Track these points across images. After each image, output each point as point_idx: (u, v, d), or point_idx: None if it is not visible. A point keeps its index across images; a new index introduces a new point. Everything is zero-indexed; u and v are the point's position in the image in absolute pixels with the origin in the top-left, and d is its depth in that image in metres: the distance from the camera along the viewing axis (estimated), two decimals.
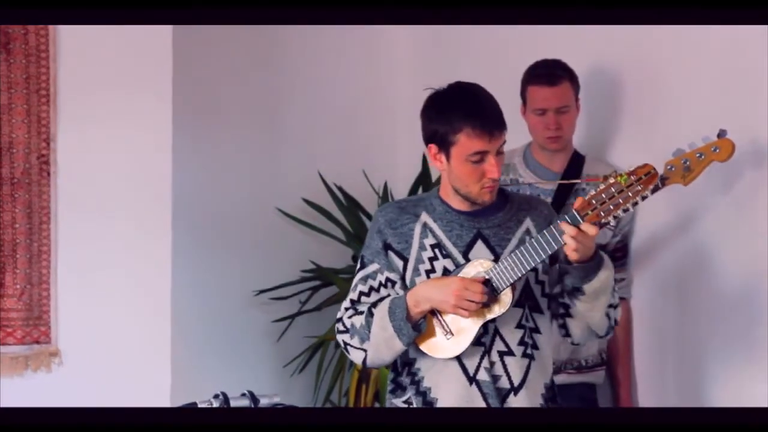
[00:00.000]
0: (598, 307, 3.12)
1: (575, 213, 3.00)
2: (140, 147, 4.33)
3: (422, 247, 3.17)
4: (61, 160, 4.23)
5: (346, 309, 3.23)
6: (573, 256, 3.02)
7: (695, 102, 3.74)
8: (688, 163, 3.03)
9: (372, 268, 3.21)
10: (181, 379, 4.34)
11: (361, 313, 3.17)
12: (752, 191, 3.58)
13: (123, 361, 4.29)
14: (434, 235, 3.16)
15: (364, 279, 3.22)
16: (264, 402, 2.86)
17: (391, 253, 3.19)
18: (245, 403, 2.83)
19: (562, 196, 3.84)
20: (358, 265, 3.25)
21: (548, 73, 3.85)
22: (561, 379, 3.82)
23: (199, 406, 2.80)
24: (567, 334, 3.21)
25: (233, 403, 2.82)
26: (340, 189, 4.68)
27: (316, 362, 4.55)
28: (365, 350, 3.18)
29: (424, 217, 3.18)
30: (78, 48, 4.24)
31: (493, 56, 4.46)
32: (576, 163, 3.93)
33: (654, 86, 3.89)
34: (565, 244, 3.00)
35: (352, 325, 3.19)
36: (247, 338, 4.63)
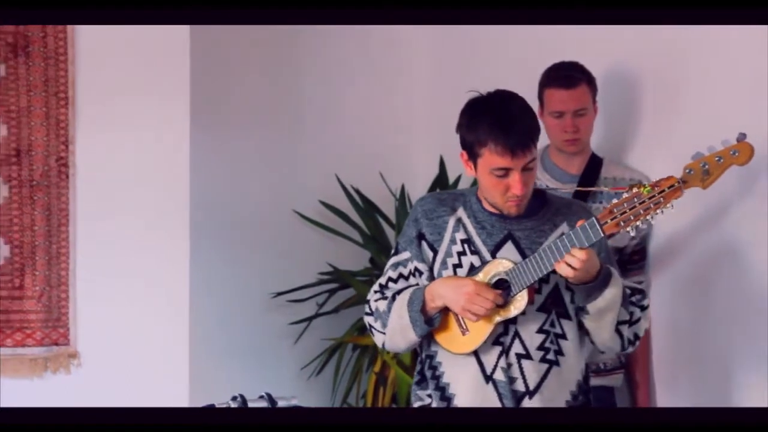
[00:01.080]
0: (605, 325, 3.12)
1: (596, 221, 2.99)
2: (158, 149, 4.33)
3: (453, 241, 3.18)
4: (80, 162, 4.24)
5: (375, 292, 3.28)
6: (570, 278, 3.02)
7: (714, 104, 3.73)
8: (707, 166, 3.03)
9: (404, 255, 3.25)
10: (199, 381, 4.34)
11: (386, 298, 3.22)
12: None
13: (141, 363, 4.29)
14: (466, 231, 3.17)
15: (395, 265, 3.26)
16: (282, 404, 2.86)
17: (423, 243, 3.21)
18: (263, 405, 2.84)
19: (580, 199, 3.82)
20: (393, 251, 3.30)
21: (566, 76, 3.84)
22: None
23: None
24: (592, 342, 3.22)
25: (251, 406, 2.83)
26: (358, 191, 4.68)
27: (334, 364, 4.55)
28: (385, 334, 3.23)
29: (460, 212, 3.20)
30: (96, 50, 4.25)
31: (511, 58, 4.46)
32: (594, 165, 3.92)
33: (673, 88, 3.88)
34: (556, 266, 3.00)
35: (377, 308, 3.24)
36: (264, 340, 4.63)
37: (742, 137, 3.05)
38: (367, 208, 4.67)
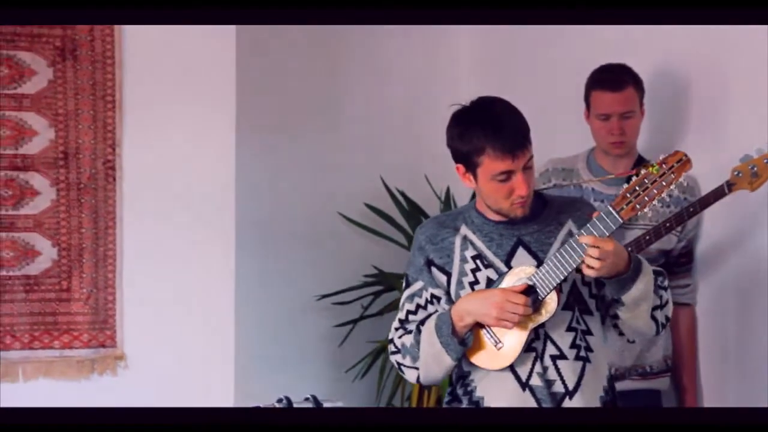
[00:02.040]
0: (640, 313, 3.08)
1: (611, 209, 2.97)
2: (204, 152, 4.35)
3: (464, 260, 3.14)
4: (127, 165, 4.27)
5: (396, 329, 3.22)
6: (593, 273, 2.97)
7: (762, 106, 3.70)
8: (755, 168, 3.01)
9: (417, 286, 3.20)
10: (244, 383, 4.36)
11: (410, 332, 3.16)
12: None
13: (187, 365, 4.31)
14: (474, 247, 3.14)
15: (411, 297, 3.20)
16: (327, 406, 2.86)
17: (434, 269, 3.17)
18: (309, 407, 2.84)
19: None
20: (404, 285, 3.24)
21: (613, 78, 3.82)
22: (626, 385, 3.79)
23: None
24: (621, 333, 3.18)
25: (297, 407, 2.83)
26: (402, 194, 4.68)
27: (378, 367, 4.55)
28: (417, 368, 3.17)
29: (464, 230, 3.16)
30: (142, 53, 4.27)
31: (555, 58, 4.44)
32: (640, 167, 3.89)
33: (721, 90, 3.85)
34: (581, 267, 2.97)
35: (403, 344, 3.18)
36: (309, 343, 4.65)
37: None
38: (412, 211, 4.67)
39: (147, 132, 4.28)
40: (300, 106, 4.69)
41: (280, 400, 2.85)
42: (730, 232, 3.81)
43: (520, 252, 3.11)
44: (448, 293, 3.15)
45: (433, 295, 3.17)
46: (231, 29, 4.32)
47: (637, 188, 2.95)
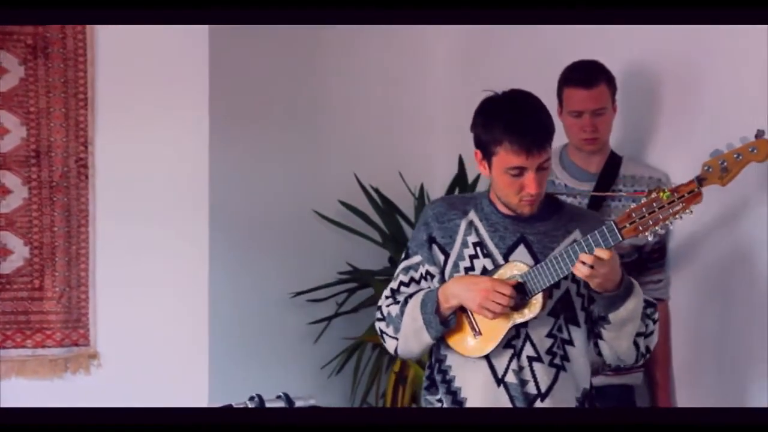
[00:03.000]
0: (624, 335, 3.10)
1: (614, 225, 2.98)
2: (177, 149, 4.34)
3: (465, 244, 3.17)
4: (99, 163, 4.26)
5: (386, 297, 3.26)
6: (592, 284, 3.00)
7: (733, 102, 3.71)
8: (725, 163, 3.01)
9: (415, 259, 3.23)
10: (218, 381, 4.35)
11: (398, 302, 3.20)
12: None
13: (161, 364, 4.30)
14: (478, 234, 3.16)
15: (406, 270, 3.24)
16: (299, 404, 2.86)
17: (434, 247, 3.20)
18: (281, 405, 2.84)
19: (598, 200, 3.81)
20: (403, 255, 3.28)
21: (585, 75, 3.83)
22: (599, 380, 3.79)
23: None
24: (599, 354, 3.20)
25: (269, 406, 2.82)
26: (377, 191, 4.68)
27: (353, 364, 4.56)
28: (397, 339, 3.21)
29: (472, 215, 3.19)
30: (115, 51, 4.26)
31: (531, 57, 4.45)
32: (613, 163, 3.91)
33: (692, 86, 3.87)
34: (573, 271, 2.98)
35: (389, 313, 3.22)
36: (284, 340, 4.64)
37: (761, 134, 3.03)
38: (387, 208, 4.67)
39: (119, 130, 4.28)
40: (274, 105, 4.68)
41: (252, 398, 2.83)
42: (701, 226, 3.83)
43: (521, 249, 3.13)
44: (442, 273, 3.18)
45: (428, 272, 3.20)
46: (204, 27, 4.32)
47: (644, 210, 2.96)
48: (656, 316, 3.19)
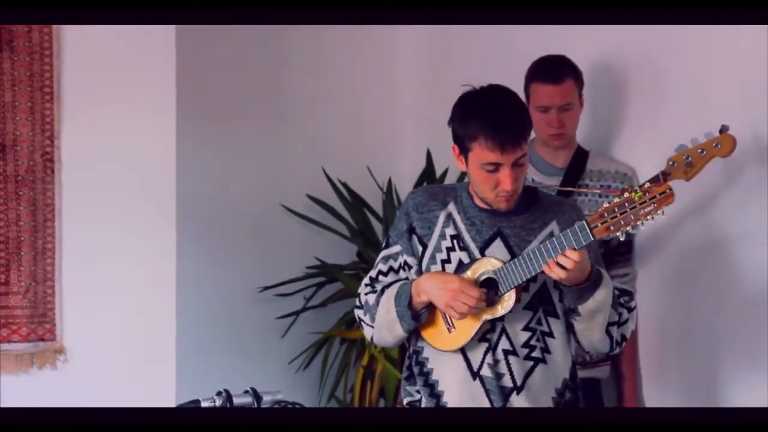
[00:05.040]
0: (595, 326, 3.12)
1: (586, 225, 2.99)
2: (144, 144, 4.33)
3: (442, 236, 3.18)
4: (65, 157, 4.24)
5: (365, 285, 3.28)
6: (562, 280, 3.01)
7: (699, 98, 3.74)
8: (690, 158, 3.03)
9: (394, 249, 3.24)
10: (186, 375, 4.35)
11: (376, 291, 3.22)
12: (757, 185, 3.57)
13: (128, 358, 4.29)
14: (455, 226, 3.17)
15: (386, 259, 3.25)
16: (267, 399, 2.85)
17: (414, 238, 3.21)
18: (248, 400, 2.83)
19: (565, 195, 3.83)
20: (384, 243, 3.29)
21: (552, 71, 3.84)
22: None
23: (202, 403, 2.79)
24: (578, 342, 3.21)
25: (236, 401, 2.82)
26: (345, 185, 4.68)
27: (321, 358, 4.55)
28: (373, 328, 3.23)
29: (451, 207, 3.20)
30: (81, 45, 4.24)
31: (498, 52, 4.46)
32: (579, 158, 3.93)
33: (658, 82, 3.89)
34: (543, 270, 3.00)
35: (366, 302, 3.24)
36: (251, 335, 4.63)
37: (724, 129, 3.06)
38: (355, 202, 4.66)
39: (86, 124, 4.26)
40: (242, 99, 4.67)
41: (219, 393, 2.82)
42: (668, 221, 3.84)
43: (497, 243, 3.13)
44: (420, 264, 3.19)
45: (406, 262, 3.21)
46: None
47: (615, 210, 2.96)
48: (632, 303, 3.21)
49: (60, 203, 4.23)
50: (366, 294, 3.26)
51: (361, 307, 3.27)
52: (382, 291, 3.20)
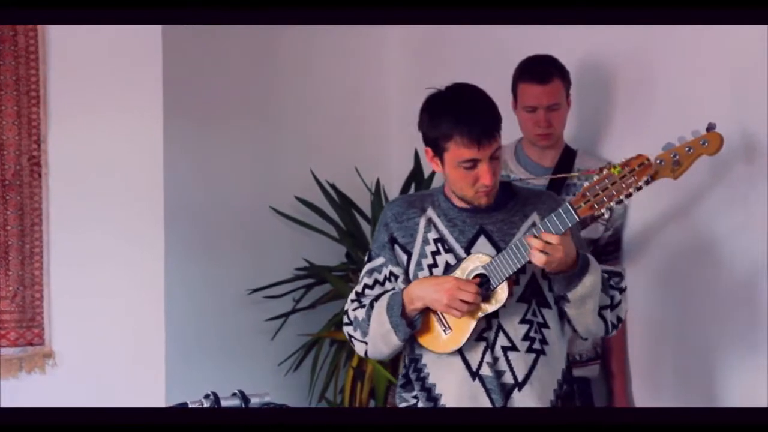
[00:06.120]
0: (587, 311, 3.12)
1: (569, 206, 2.99)
2: (131, 147, 4.33)
3: (425, 242, 3.17)
4: (52, 161, 4.23)
5: (352, 301, 3.26)
6: (547, 268, 3.01)
7: (686, 96, 3.74)
8: (677, 157, 3.03)
9: (378, 261, 3.24)
10: (175, 378, 4.34)
11: (364, 306, 3.21)
12: (745, 183, 3.58)
13: (117, 362, 4.29)
14: (437, 230, 3.17)
15: (370, 272, 3.25)
16: (255, 401, 2.85)
17: (396, 247, 3.21)
18: (236, 402, 2.83)
19: (554, 192, 3.83)
20: (366, 258, 3.29)
21: (539, 71, 3.84)
22: None
23: (190, 406, 2.79)
24: (574, 330, 3.21)
25: (224, 403, 2.81)
26: (333, 186, 4.68)
27: (311, 360, 4.55)
28: (366, 343, 3.22)
29: (430, 212, 3.20)
30: (67, 49, 4.24)
31: (485, 52, 4.46)
32: (567, 157, 3.93)
33: (645, 81, 3.89)
34: (530, 259, 2.99)
35: (356, 318, 3.23)
36: (241, 337, 4.63)
37: (711, 127, 3.06)
38: (343, 203, 4.66)
39: (73, 128, 4.26)
40: (230, 101, 4.66)
41: (207, 396, 2.82)
42: (655, 220, 3.86)
43: (482, 240, 3.13)
44: (406, 272, 3.19)
45: (392, 273, 3.21)
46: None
47: (597, 187, 2.98)
48: (623, 284, 3.21)
49: (47, 207, 4.23)
50: (354, 310, 3.24)
51: (350, 323, 3.25)
52: (372, 305, 3.19)
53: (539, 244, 2.97)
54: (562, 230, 3.00)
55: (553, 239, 2.97)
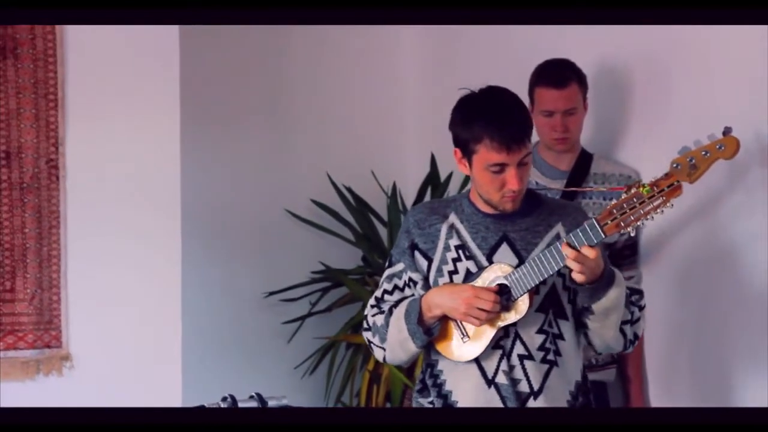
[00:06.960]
0: (609, 324, 3.11)
1: (595, 223, 2.99)
2: (149, 149, 4.33)
3: (447, 248, 3.17)
4: (70, 164, 4.24)
5: (372, 306, 3.27)
6: (578, 278, 3.00)
7: (702, 100, 3.73)
8: (693, 161, 3.02)
9: (398, 267, 3.23)
10: (192, 381, 4.35)
11: (383, 312, 3.21)
12: (762, 187, 3.57)
13: (134, 365, 4.29)
14: (459, 237, 3.16)
15: (390, 278, 3.25)
16: (272, 404, 2.86)
17: (417, 254, 3.20)
18: (253, 405, 2.84)
19: (569, 197, 3.83)
20: (387, 263, 3.28)
21: (556, 75, 3.84)
22: None
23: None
24: (589, 343, 3.21)
25: (241, 406, 2.82)
26: (349, 190, 4.68)
27: (327, 363, 4.56)
28: (384, 349, 3.22)
29: (452, 218, 3.19)
30: (85, 51, 4.25)
31: (501, 55, 4.46)
32: (583, 161, 3.93)
33: (662, 84, 3.89)
34: (570, 268, 2.99)
35: (374, 323, 3.23)
36: (257, 340, 4.64)
37: (727, 131, 3.05)
38: (359, 207, 4.67)
39: (90, 130, 4.26)
40: (246, 104, 4.67)
41: (224, 399, 2.83)
42: (672, 224, 3.85)
43: (504, 248, 3.13)
44: (426, 279, 3.18)
45: (411, 279, 3.20)
46: (175, 27, 4.31)
47: (624, 206, 2.96)
48: (643, 302, 3.20)
49: (65, 210, 4.24)
50: (373, 316, 3.25)
51: (369, 329, 3.26)
52: (390, 311, 3.19)
53: (573, 254, 2.97)
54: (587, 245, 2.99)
55: (591, 253, 2.96)
